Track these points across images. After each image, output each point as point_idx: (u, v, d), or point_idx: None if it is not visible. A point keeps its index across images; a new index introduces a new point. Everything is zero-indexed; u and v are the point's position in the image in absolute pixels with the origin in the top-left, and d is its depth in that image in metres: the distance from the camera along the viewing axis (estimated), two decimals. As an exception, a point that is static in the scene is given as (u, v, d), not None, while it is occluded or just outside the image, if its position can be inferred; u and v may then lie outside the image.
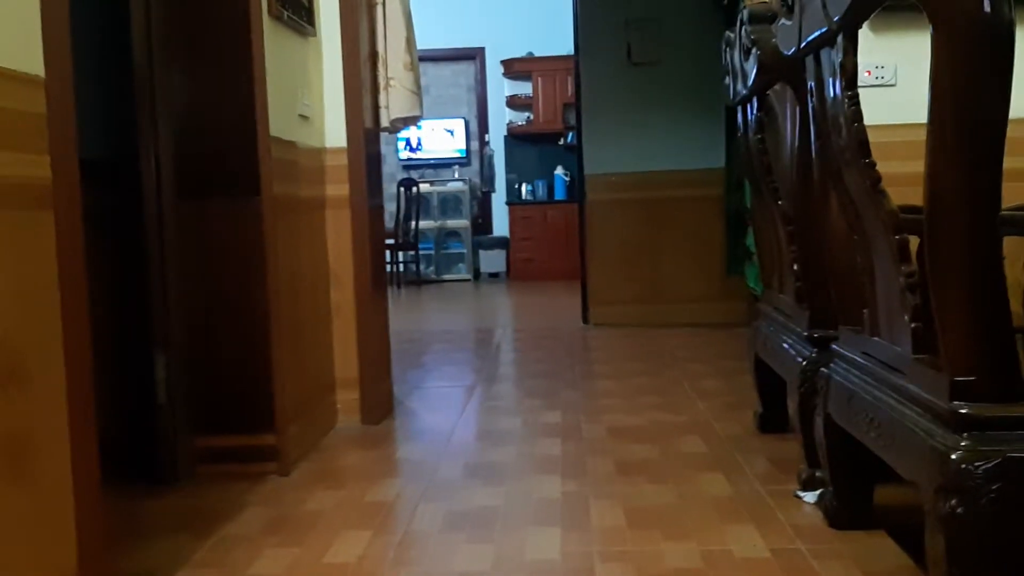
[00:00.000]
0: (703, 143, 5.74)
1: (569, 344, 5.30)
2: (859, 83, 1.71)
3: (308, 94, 3.15)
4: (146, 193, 2.71)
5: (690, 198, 5.83)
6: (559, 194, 9.85)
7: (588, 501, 2.41)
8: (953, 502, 1.41)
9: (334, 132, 3.28)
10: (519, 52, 9.87)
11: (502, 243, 10.01)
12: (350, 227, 3.28)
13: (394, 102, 3.48)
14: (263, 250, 2.71)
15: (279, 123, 2.80)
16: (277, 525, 2.31)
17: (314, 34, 3.20)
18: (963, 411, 1.43)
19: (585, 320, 6.04)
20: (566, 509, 2.36)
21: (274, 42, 2.80)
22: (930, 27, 1.40)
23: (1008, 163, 1.43)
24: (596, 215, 5.98)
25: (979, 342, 1.45)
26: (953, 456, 1.41)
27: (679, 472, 2.63)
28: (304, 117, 3.10)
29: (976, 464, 1.40)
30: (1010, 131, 1.40)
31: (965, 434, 1.42)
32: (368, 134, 3.35)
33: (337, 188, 3.28)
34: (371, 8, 3.42)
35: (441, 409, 3.70)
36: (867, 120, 1.66)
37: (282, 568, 2.03)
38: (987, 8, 1.35)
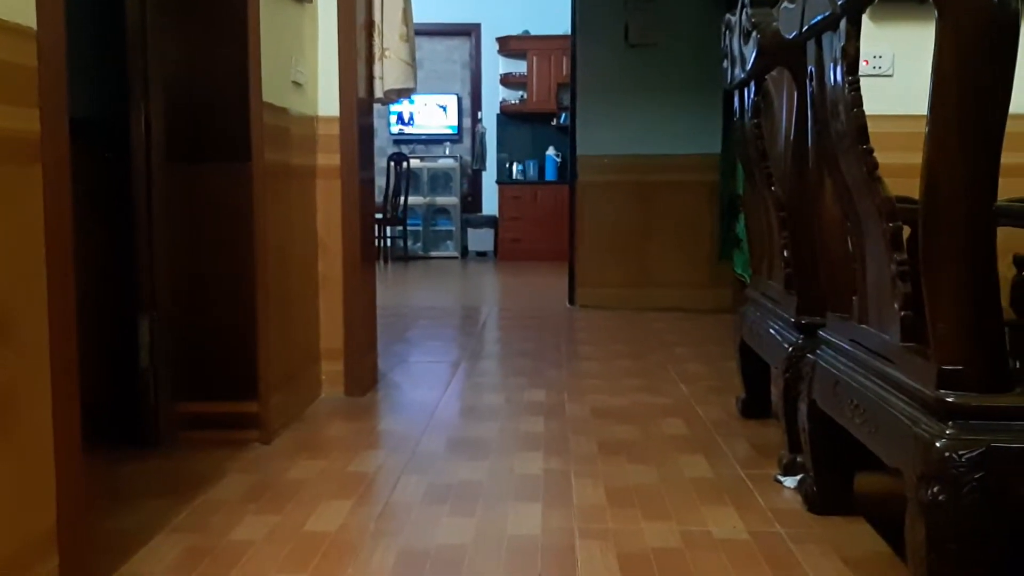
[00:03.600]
0: (699, 128, 5.72)
1: (555, 325, 5.30)
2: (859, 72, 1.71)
3: (302, 61, 3.11)
4: (135, 155, 2.68)
5: (683, 183, 5.82)
6: (550, 175, 9.82)
7: (570, 478, 2.41)
8: (935, 490, 1.42)
9: (327, 101, 3.25)
10: (515, 30, 9.81)
11: (491, 222, 9.99)
12: (340, 198, 3.26)
13: (389, 73, 3.45)
14: (252, 216, 2.69)
15: (272, 89, 2.78)
16: (258, 492, 2.30)
17: (310, 0, 3.17)
18: (949, 400, 1.44)
19: (572, 301, 6.04)
20: (548, 486, 2.36)
21: (270, 7, 2.76)
22: (932, 18, 1.39)
23: (1003, 158, 1.43)
24: (587, 197, 5.97)
25: (968, 332, 1.45)
26: (937, 444, 1.42)
27: (661, 453, 2.64)
28: (297, 84, 3.07)
29: (960, 453, 1.41)
30: (1007, 127, 1.40)
31: (950, 423, 1.43)
32: (361, 104, 3.32)
33: (328, 158, 3.25)
34: (369, -24, 3.38)
35: (425, 384, 3.70)
36: (864, 110, 1.66)
37: (262, 534, 2.02)
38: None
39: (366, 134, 3.42)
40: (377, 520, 2.13)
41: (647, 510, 2.17)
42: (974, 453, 1.41)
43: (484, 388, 3.62)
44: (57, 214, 1.63)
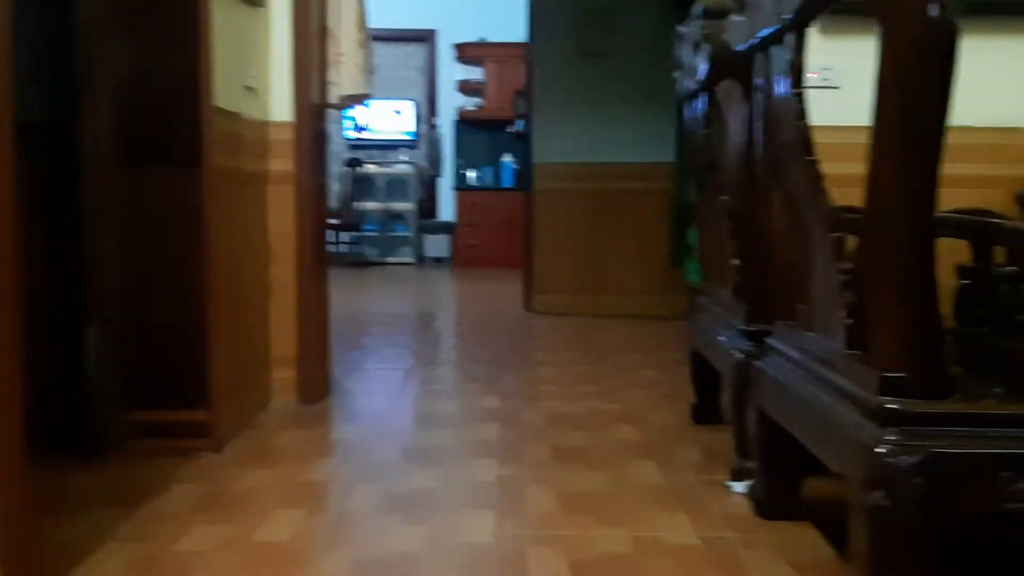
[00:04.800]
0: (654, 137, 5.78)
1: (511, 331, 5.31)
2: (805, 84, 1.74)
3: (255, 66, 3.09)
4: (85, 159, 2.64)
5: (638, 191, 5.87)
6: (506, 181, 9.84)
7: (523, 486, 2.42)
8: (878, 495, 1.44)
9: (280, 106, 3.23)
10: (472, 37, 9.82)
11: (447, 228, 9.97)
12: (293, 203, 3.23)
13: (343, 79, 3.43)
14: (202, 222, 2.66)
15: (224, 93, 2.75)
16: (207, 502, 2.28)
17: (263, 5, 3.15)
18: (891, 406, 1.46)
19: (528, 308, 6.05)
20: (501, 493, 2.37)
21: (222, 10, 2.74)
22: (877, 32, 1.43)
23: (943, 169, 1.47)
24: (543, 204, 5.99)
25: (909, 340, 1.48)
26: (879, 450, 1.44)
27: (614, 459, 2.66)
28: (250, 89, 3.05)
29: (901, 459, 1.44)
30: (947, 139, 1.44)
31: (892, 429, 1.46)
32: (315, 110, 3.31)
33: (281, 163, 3.23)
34: (323, -18, 3.37)
35: (380, 391, 3.68)
36: (811, 120, 1.69)
37: (211, 545, 2.00)
38: (934, 14, 1.38)
39: (320, 139, 3.40)
40: (329, 529, 2.11)
41: (599, 516, 2.18)
42: (915, 459, 1.43)
43: (439, 395, 3.61)
44: (2, 218, 1.60)
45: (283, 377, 3.27)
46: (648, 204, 5.86)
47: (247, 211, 3.04)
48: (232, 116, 2.87)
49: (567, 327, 5.35)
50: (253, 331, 3.11)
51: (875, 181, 1.46)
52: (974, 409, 1.51)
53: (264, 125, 3.20)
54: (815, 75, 2.87)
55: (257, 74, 3.11)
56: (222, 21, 2.74)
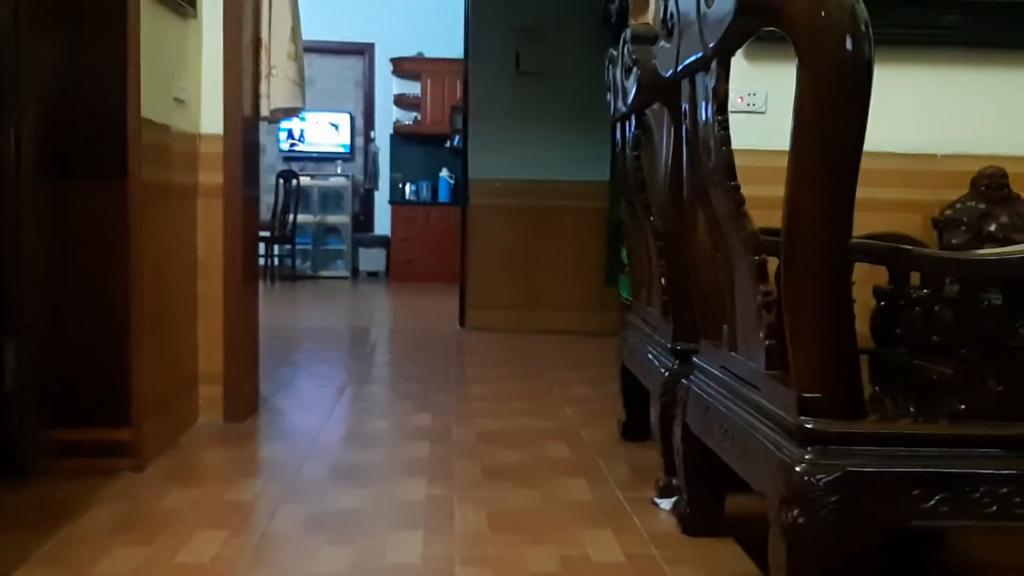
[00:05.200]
0: (588, 156, 5.85)
1: (445, 347, 5.30)
2: (731, 109, 1.78)
3: (185, 77, 3.04)
4: (4, 170, 2.56)
5: (573, 209, 5.93)
6: (443, 196, 9.84)
7: (452, 505, 2.41)
8: (795, 512, 1.47)
9: (211, 118, 3.19)
10: (409, 51, 9.82)
11: (383, 242, 9.93)
12: (222, 217, 3.19)
13: (275, 92, 3.41)
14: (128, 236, 2.61)
15: (152, 105, 2.71)
16: (128, 523, 2.22)
17: (195, 16, 3.11)
18: (808, 426, 1.50)
19: (462, 324, 6.05)
20: (430, 512, 2.36)
21: (151, 21, 2.70)
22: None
23: (859, 193, 1.52)
24: (478, 220, 6.01)
25: (826, 361, 1.52)
26: (797, 468, 1.48)
27: (544, 477, 2.67)
28: (179, 101, 3.00)
29: (818, 477, 1.47)
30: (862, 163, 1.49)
31: (809, 448, 1.49)
32: (246, 122, 3.27)
33: (211, 176, 3.18)
34: (257, -5, 3.34)
35: (309, 409, 3.64)
36: (738, 144, 1.73)
37: (130, 568, 1.95)
38: (849, 47, 1.43)
39: (251, 152, 3.36)
40: (252, 551, 2.08)
41: (528, 535, 2.19)
42: (831, 477, 1.47)
43: (370, 413, 3.59)
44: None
45: (209, 394, 3.21)
46: (582, 222, 5.91)
47: (174, 224, 2.99)
48: (160, 128, 2.83)
49: (501, 343, 5.36)
50: (179, 347, 3.05)
51: (793, 207, 1.49)
52: (887, 429, 1.56)
53: (194, 137, 3.15)
54: (740, 100, 2.94)
55: (187, 86, 3.06)
56: (151, 31, 2.70)
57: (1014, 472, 1.49)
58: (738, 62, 2.93)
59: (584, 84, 5.71)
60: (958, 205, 2.87)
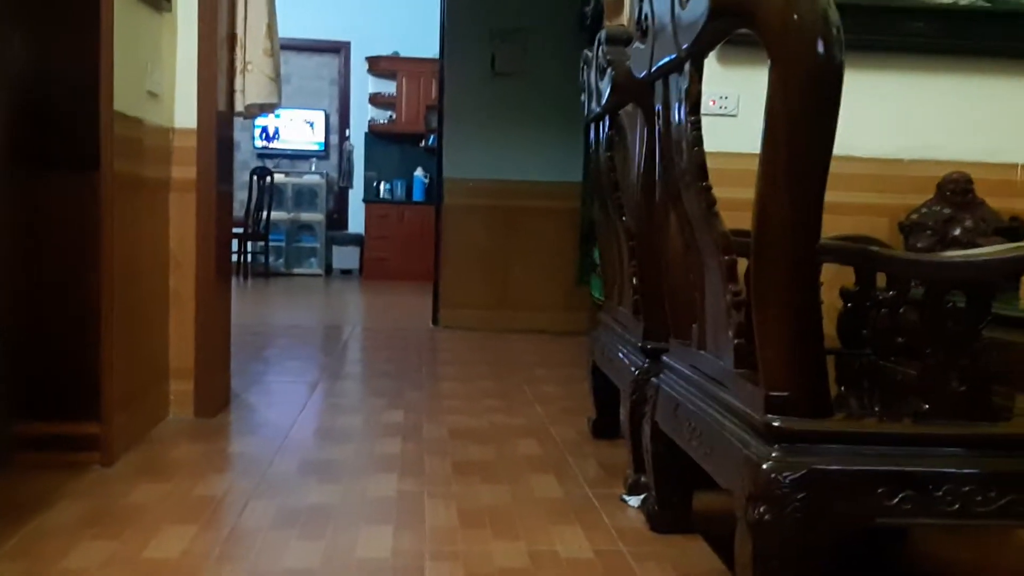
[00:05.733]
0: (562, 156, 5.87)
1: (418, 345, 5.30)
2: (704, 111, 1.80)
3: (159, 71, 3.03)
4: (-28, 160, 2.54)
5: (546, 209, 5.95)
6: (417, 195, 9.83)
7: (423, 500, 2.42)
8: (762, 509, 1.50)
9: (185, 112, 3.17)
10: (385, 50, 9.80)
11: (357, 240, 9.90)
12: (195, 212, 3.17)
13: (250, 87, 3.40)
14: (99, 229, 2.59)
15: (125, 98, 2.69)
16: (96, 517, 2.21)
17: (169, 10, 3.09)
18: (775, 424, 1.52)
19: (435, 322, 6.06)
20: (401, 508, 2.36)
21: (125, 14, 2.68)
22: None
23: (827, 196, 1.54)
24: (453, 219, 6.02)
25: (793, 360, 1.55)
26: (764, 466, 1.50)
27: (514, 474, 2.69)
28: (153, 94, 2.98)
29: (784, 474, 1.49)
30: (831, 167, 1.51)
31: (776, 446, 1.52)
32: (221, 117, 3.25)
33: (184, 170, 3.16)
34: (233, -11, 3.33)
35: (281, 404, 3.63)
36: (710, 147, 1.75)
37: (97, 562, 1.94)
38: (820, 51, 1.45)
39: (225, 147, 3.35)
40: (222, 545, 2.07)
41: (497, 530, 2.20)
42: (797, 475, 1.50)
43: (342, 409, 3.58)
44: None
45: (180, 389, 3.20)
46: (556, 221, 5.94)
47: (147, 218, 2.97)
48: (133, 121, 2.81)
49: (474, 341, 5.37)
50: (150, 342, 3.03)
51: (762, 208, 1.52)
52: (852, 427, 1.59)
53: (167, 131, 3.14)
54: (712, 103, 2.98)
55: (161, 80, 3.05)
56: (125, 24, 2.68)
57: (976, 471, 1.52)
58: (711, 65, 2.98)
59: (559, 85, 5.74)
60: (924, 210, 2.92)
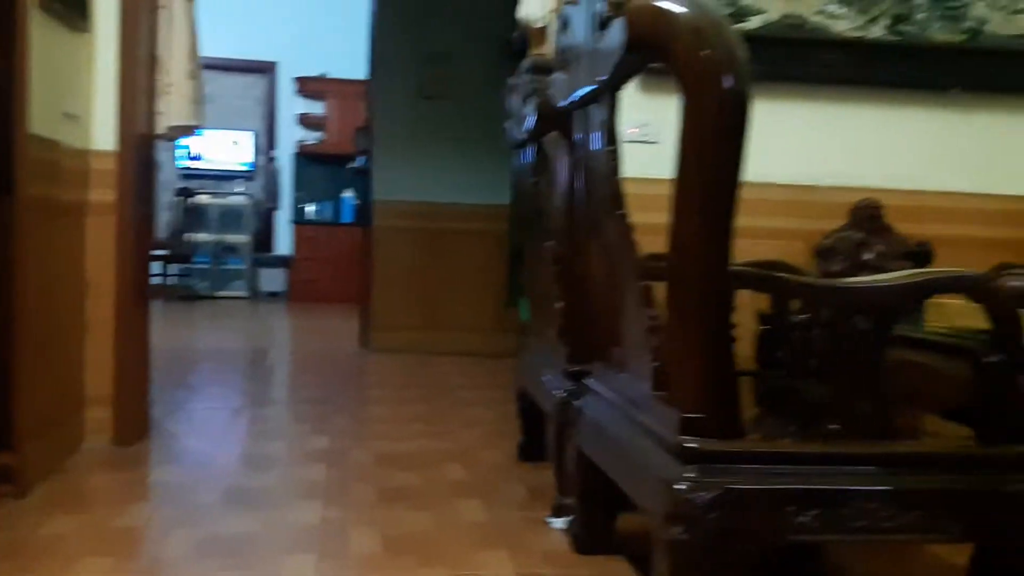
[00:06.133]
0: (491, 179, 5.90)
1: (346, 369, 5.26)
2: (627, 139, 1.85)
3: (76, 93, 2.97)
4: None
5: (475, 231, 5.98)
6: (346, 217, 9.76)
7: (347, 528, 2.40)
8: (677, 529, 1.53)
9: (103, 134, 3.11)
10: (313, 71, 9.75)
11: (284, 262, 9.78)
12: (114, 235, 3.11)
13: (172, 109, 3.35)
14: (12, 253, 2.53)
15: (40, 120, 2.63)
16: (8, 551, 2.14)
17: (87, 30, 3.04)
18: (689, 445, 1.56)
19: (364, 345, 6.01)
20: (324, 536, 2.34)
21: (41, 34, 2.63)
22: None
23: (745, 221, 1.59)
24: (382, 241, 6.01)
25: (707, 383, 1.59)
26: (678, 486, 1.54)
27: (440, 499, 2.68)
28: (71, 116, 2.93)
29: (699, 494, 1.53)
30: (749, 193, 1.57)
31: (690, 466, 1.56)
32: (141, 139, 3.21)
33: (102, 193, 3.10)
34: (154, 11, 3.29)
35: (203, 432, 3.57)
36: (632, 172, 1.80)
37: (7, 597, 1.88)
38: (728, 84, 1.50)
39: (147, 169, 3.30)
40: (139, 577, 2.03)
41: (422, 557, 2.20)
42: (711, 495, 1.54)
43: (266, 436, 3.54)
44: None
45: (98, 417, 3.11)
46: (485, 244, 5.96)
47: (63, 242, 2.90)
48: (49, 143, 2.75)
49: (403, 365, 5.35)
50: (66, 368, 2.95)
51: (676, 235, 1.56)
52: (764, 448, 1.63)
53: (85, 154, 3.07)
54: (635, 130, 3.04)
55: (79, 101, 2.99)
56: (41, 45, 2.63)
57: (881, 488, 1.58)
58: (633, 94, 3.04)
59: (487, 109, 5.77)
60: (837, 235, 3.02)
